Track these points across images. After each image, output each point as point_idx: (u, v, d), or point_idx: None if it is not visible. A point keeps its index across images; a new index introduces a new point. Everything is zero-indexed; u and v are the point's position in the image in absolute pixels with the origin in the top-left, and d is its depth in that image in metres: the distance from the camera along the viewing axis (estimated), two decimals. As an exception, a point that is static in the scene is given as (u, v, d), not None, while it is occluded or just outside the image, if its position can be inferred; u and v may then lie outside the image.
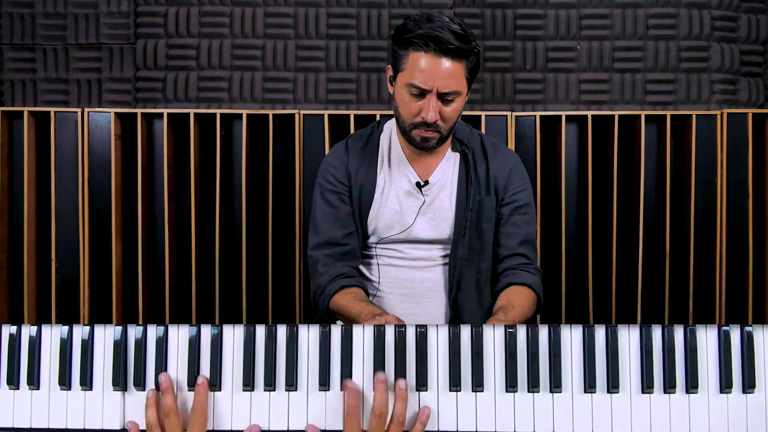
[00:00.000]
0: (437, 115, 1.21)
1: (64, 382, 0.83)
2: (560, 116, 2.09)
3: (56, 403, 0.83)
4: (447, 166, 1.36)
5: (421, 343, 0.82)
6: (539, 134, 2.11)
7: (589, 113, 2.09)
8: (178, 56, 2.27)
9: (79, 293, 2.10)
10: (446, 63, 1.17)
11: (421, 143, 1.26)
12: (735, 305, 2.11)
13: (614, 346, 0.81)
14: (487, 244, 1.35)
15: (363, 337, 0.82)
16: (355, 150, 1.38)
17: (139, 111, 2.08)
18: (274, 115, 2.10)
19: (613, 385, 0.81)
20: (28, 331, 0.84)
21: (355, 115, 2.08)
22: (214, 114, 2.09)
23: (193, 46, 2.27)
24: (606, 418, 0.81)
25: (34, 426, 0.83)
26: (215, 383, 0.82)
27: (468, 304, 1.34)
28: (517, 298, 1.22)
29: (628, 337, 0.82)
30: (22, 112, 2.07)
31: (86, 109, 2.10)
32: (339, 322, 1.32)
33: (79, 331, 0.83)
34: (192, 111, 2.07)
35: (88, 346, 0.84)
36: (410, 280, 1.34)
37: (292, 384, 0.81)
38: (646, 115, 2.09)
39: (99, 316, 2.10)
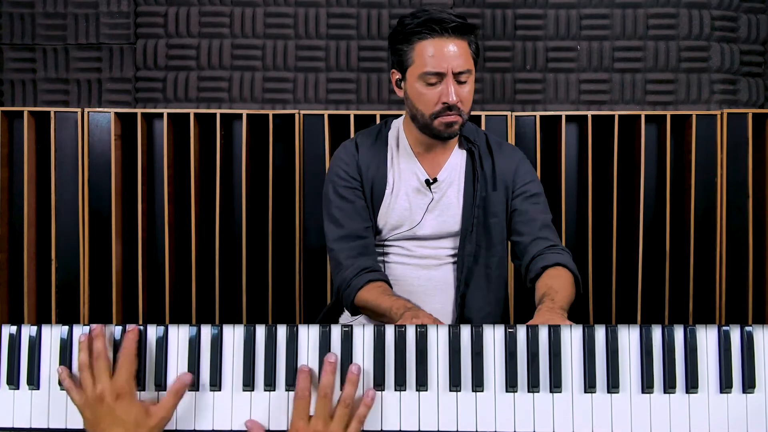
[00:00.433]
0: (457, 96, 1.22)
1: (64, 382, 0.83)
2: (560, 116, 2.09)
3: (56, 403, 0.83)
4: (454, 163, 1.36)
5: (421, 342, 0.82)
6: (539, 134, 2.11)
7: (589, 113, 2.09)
8: (178, 56, 2.27)
9: (79, 293, 2.10)
10: (453, 43, 1.20)
11: (447, 130, 1.26)
12: (735, 305, 2.11)
13: (614, 346, 0.81)
14: (495, 240, 1.35)
15: (363, 337, 0.82)
16: (365, 147, 1.38)
17: (139, 111, 2.08)
18: (274, 115, 2.10)
19: (613, 385, 0.81)
20: (28, 331, 0.84)
21: (355, 115, 2.08)
22: (214, 114, 2.09)
23: (193, 46, 2.27)
24: (606, 418, 0.81)
25: (34, 426, 0.83)
26: (215, 383, 0.82)
27: (476, 300, 1.33)
28: (557, 282, 1.19)
29: (628, 337, 0.82)
30: (22, 112, 2.07)
31: (86, 109, 2.10)
32: (362, 317, 1.31)
33: (79, 331, 0.83)
34: (192, 111, 2.07)
35: (88, 346, 0.83)
36: (416, 278, 1.34)
37: (292, 384, 0.81)
38: (646, 115, 2.09)
39: (99, 316, 2.10)
